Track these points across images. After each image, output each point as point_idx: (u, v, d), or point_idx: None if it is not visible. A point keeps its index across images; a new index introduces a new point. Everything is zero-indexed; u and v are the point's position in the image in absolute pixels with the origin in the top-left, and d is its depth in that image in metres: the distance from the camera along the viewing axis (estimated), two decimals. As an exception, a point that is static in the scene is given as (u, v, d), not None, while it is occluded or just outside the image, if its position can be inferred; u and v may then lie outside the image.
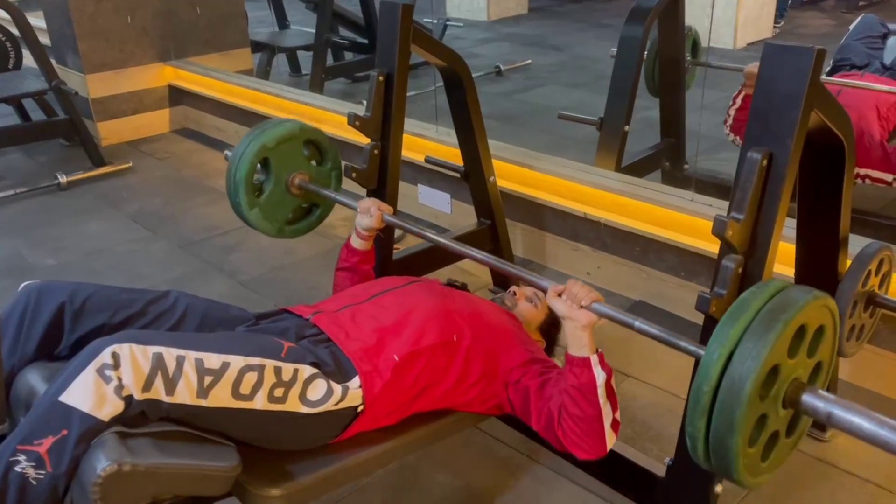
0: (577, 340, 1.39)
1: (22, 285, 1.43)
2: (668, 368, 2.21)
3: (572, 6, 8.91)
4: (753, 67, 2.72)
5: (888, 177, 2.77)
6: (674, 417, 1.83)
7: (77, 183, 3.73)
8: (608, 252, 2.60)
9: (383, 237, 2.01)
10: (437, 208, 3.13)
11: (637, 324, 1.33)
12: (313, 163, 2.08)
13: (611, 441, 1.42)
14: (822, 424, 1.90)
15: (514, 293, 1.87)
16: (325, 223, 3.19)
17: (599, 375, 1.38)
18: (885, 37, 3.34)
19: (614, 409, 1.42)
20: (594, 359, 1.38)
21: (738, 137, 2.95)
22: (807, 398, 1.08)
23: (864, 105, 2.86)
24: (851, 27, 3.46)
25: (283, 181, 2.00)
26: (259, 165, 1.97)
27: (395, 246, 2.28)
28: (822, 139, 1.49)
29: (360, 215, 1.86)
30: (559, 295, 1.41)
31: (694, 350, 1.23)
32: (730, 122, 3.00)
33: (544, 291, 1.46)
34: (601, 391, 1.37)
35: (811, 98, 1.30)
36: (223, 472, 1.24)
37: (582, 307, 1.37)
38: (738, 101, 2.96)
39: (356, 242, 1.88)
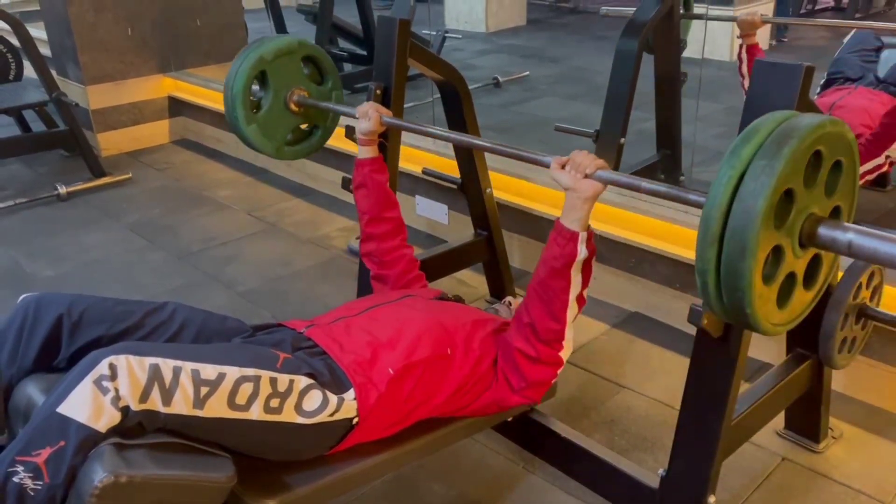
0: (574, 211, 1.38)
1: (20, 298, 1.44)
2: (662, 379, 2.23)
3: (570, 17, 8.97)
4: (745, 15, 2.90)
5: (879, 159, 2.78)
6: (668, 429, 1.84)
7: (77, 194, 3.75)
8: (603, 263, 2.61)
9: (386, 143, 1.98)
10: (435, 219, 3.15)
11: (644, 184, 1.30)
12: (313, 84, 2.05)
13: (572, 314, 1.43)
14: (815, 435, 1.92)
15: (510, 303, 1.88)
16: (322, 235, 3.21)
17: (581, 252, 1.38)
18: (878, 50, 3.37)
19: (584, 284, 1.42)
20: (583, 235, 1.38)
21: None
22: (824, 231, 1.04)
23: (857, 120, 2.89)
24: (845, 40, 3.49)
25: (282, 97, 1.97)
26: (257, 82, 1.93)
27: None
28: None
29: (359, 120, 1.87)
30: (563, 167, 1.38)
31: (702, 200, 1.15)
32: (746, 81, 3.02)
33: (546, 166, 1.44)
34: (576, 266, 1.38)
35: (800, 113, 1.32)
36: (219, 483, 1.25)
37: (587, 176, 1.35)
38: (744, 56, 2.99)
39: (361, 152, 1.89)
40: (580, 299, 1.45)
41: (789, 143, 0.97)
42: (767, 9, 6.69)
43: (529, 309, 1.49)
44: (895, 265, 0.99)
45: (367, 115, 1.86)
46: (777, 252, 1.03)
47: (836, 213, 1.11)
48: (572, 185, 1.37)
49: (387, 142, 2.01)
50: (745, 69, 3.01)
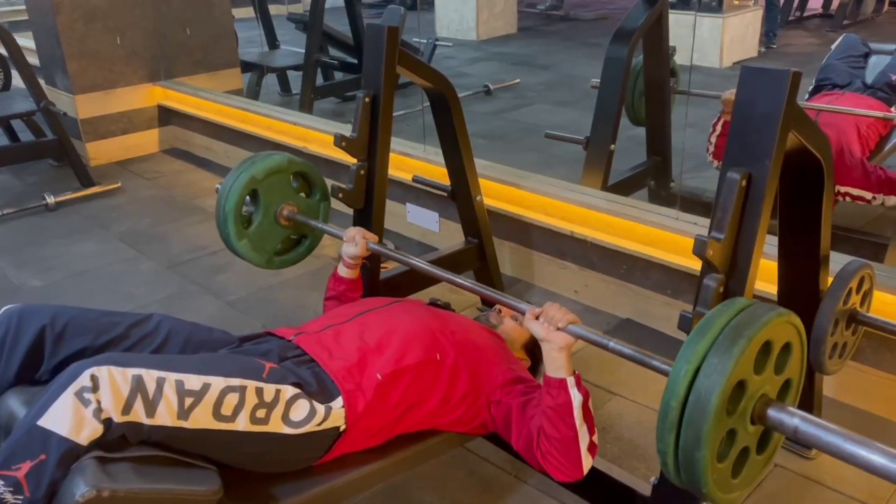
0: (554, 362, 1.40)
1: (2, 309, 1.42)
2: (655, 387, 2.21)
3: (561, 25, 9.01)
4: (730, 94, 2.81)
5: (867, 194, 2.80)
6: (660, 436, 1.83)
7: (65, 203, 3.72)
8: (595, 270, 2.61)
9: (369, 264, 2.02)
10: (426, 227, 3.14)
11: (612, 345, 1.34)
12: (302, 195, 2.11)
13: (587, 464, 1.42)
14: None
15: (500, 311, 1.87)
16: (312, 243, 3.15)
17: (576, 397, 1.38)
18: (866, 56, 3.39)
19: (591, 431, 1.42)
20: (570, 381, 1.39)
21: (720, 163, 2.99)
22: (773, 413, 1.10)
23: (845, 123, 2.90)
24: (834, 46, 3.51)
25: (272, 212, 2.03)
26: (248, 197, 1.99)
27: (382, 265, 2.29)
28: (801, 159, 1.51)
29: (345, 244, 1.89)
30: (536, 318, 1.42)
31: (665, 368, 1.25)
32: (711, 149, 3.04)
33: (522, 314, 1.47)
34: (577, 413, 1.38)
35: (788, 119, 1.32)
36: (204, 496, 1.23)
37: (559, 329, 1.38)
38: (719, 127, 3.00)
39: (343, 271, 1.91)
40: (592, 448, 1.43)
41: (739, 344, 1.04)
42: (756, 16, 6.75)
43: (543, 447, 1.42)
44: (835, 455, 1.05)
45: (354, 241, 1.87)
46: (731, 434, 1.09)
47: (786, 387, 1.17)
48: (545, 336, 1.40)
49: (369, 263, 2.04)
50: (713, 138, 3.02)
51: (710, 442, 1.04)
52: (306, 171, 2.10)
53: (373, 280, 2.14)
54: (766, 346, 1.09)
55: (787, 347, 1.13)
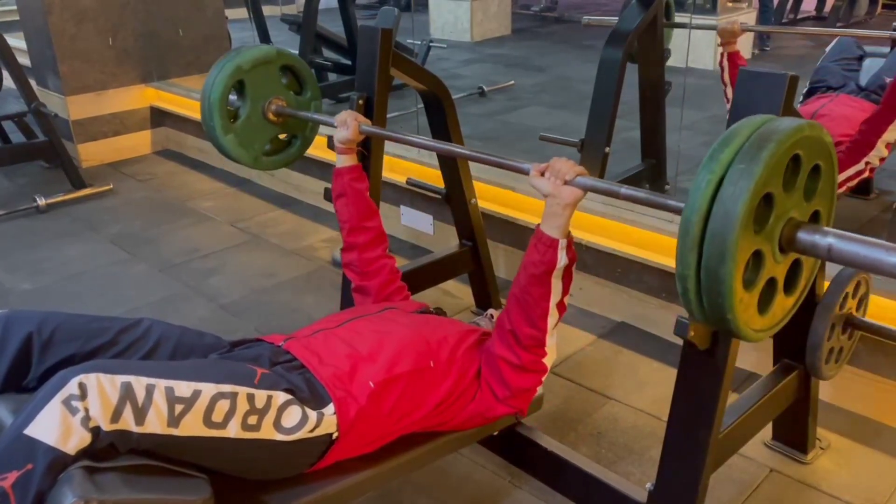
0: (554, 218, 1.37)
1: (-11, 315, 1.40)
2: (649, 390, 2.21)
3: (556, 27, 9.01)
4: (726, 24, 2.97)
5: (860, 165, 2.78)
6: (656, 440, 1.82)
7: (56, 205, 3.69)
8: (589, 273, 2.60)
9: (367, 154, 1.96)
10: (420, 229, 3.12)
11: (623, 190, 1.29)
12: (292, 93, 2.03)
13: (553, 320, 1.42)
14: (803, 446, 1.90)
15: (492, 316, 1.86)
16: (307, 246, 3.17)
17: (561, 259, 1.36)
18: (860, 59, 3.39)
19: (565, 291, 1.40)
20: (562, 242, 1.36)
21: None
22: (804, 235, 1.03)
23: (839, 128, 2.89)
24: (828, 49, 3.51)
25: (260, 107, 1.95)
26: (235, 91, 1.91)
27: None
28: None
29: (338, 129, 1.85)
30: (542, 174, 1.37)
31: (681, 206, 1.14)
32: (729, 90, 3.03)
33: (526, 173, 1.43)
34: (556, 273, 1.36)
35: (784, 123, 1.31)
36: (194, 505, 1.21)
37: (566, 183, 1.34)
38: (726, 64, 3.00)
39: (340, 161, 1.87)
40: (561, 306, 1.44)
41: (768, 147, 0.97)
42: (750, 18, 6.76)
43: (510, 316, 1.48)
44: (875, 269, 0.98)
45: (346, 124, 1.84)
46: (757, 257, 1.02)
47: (815, 218, 1.11)
48: (552, 191, 1.36)
49: (367, 152, 1.99)
50: (727, 77, 3.03)
51: (736, 256, 0.95)
52: (296, 65, 2.02)
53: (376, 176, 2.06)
54: (796, 162, 1.01)
55: (816, 170, 1.05)
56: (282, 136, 2.06)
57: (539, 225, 1.41)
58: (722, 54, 3.02)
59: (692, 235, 0.99)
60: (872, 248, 0.98)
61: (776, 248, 1.03)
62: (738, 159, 0.98)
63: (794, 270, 1.12)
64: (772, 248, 1.03)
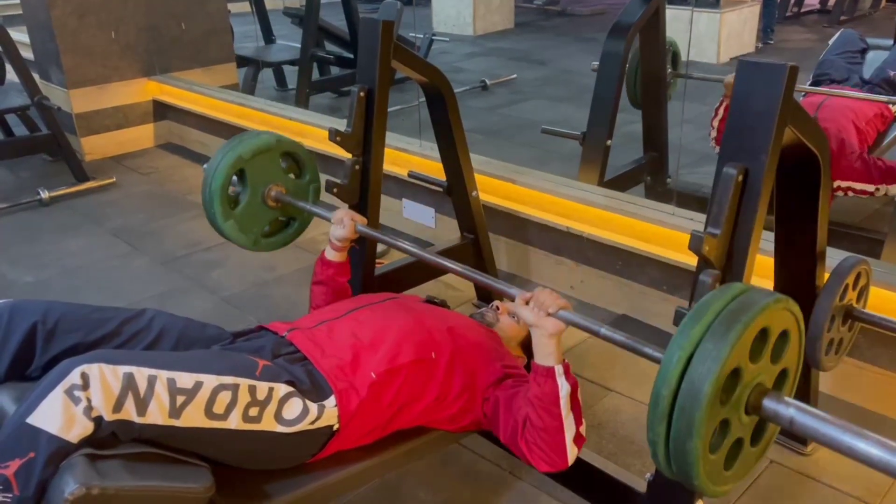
0: (543, 349, 1.38)
1: (-6, 305, 1.41)
2: (650, 382, 2.20)
3: (558, 20, 8.99)
4: (732, 78, 2.78)
5: (870, 187, 2.79)
6: (656, 432, 1.82)
7: (59, 198, 3.70)
8: (591, 266, 2.60)
9: (358, 249, 1.99)
10: (422, 223, 3.13)
11: (602, 331, 1.32)
12: (291, 176, 2.07)
13: (572, 455, 1.40)
14: (802, 438, 1.91)
15: (497, 308, 1.86)
16: (307, 238, 3.18)
17: (563, 386, 1.36)
18: (864, 52, 3.39)
19: (578, 422, 1.40)
20: (559, 369, 1.37)
21: None
22: (768, 403, 1.06)
23: (843, 119, 2.89)
24: (831, 42, 3.51)
25: (260, 193, 1.99)
26: (235, 177, 1.95)
27: (378, 261, 2.27)
28: (797, 154, 1.50)
29: (333, 226, 1.85)
30: (526, 303, 1.39)
31: (657, 356, 1.21)
32: (713, 133, 3.03)
33: (512, 299, 1.45)
34: (564, 402, 1.36)
35: (785, 114, 1.31)
36: (196, 493, 1.22)
37: (549, 315, 1.36)
38: (721, 111, 2.99)
39: (330, 254, 1.87)
40: (578, 439, 1.41)
41: (735, 329, 1.00)
42: (753, 12, 6.74)
43: (529, 439, 1.41)
44: (832, 447, 1.01)
45: (342, 223, 1.83)
46: (724, 424, 1.06)
47: (782, 377, 1.13)
48: (535, 321, 1.37)
49: (357, 246, 1.99)
50: (716, 122, 3.03)
51: (703, 432, 1.00)
52: (295, 152, 2.05)
53: (368, 270, 2.11)
54: (763, 333, 1.05)
55: (784, 335, 1.09)
56: (280, 219, 2.10)
57: (533, 361, 1.41)
58: (721, 103, 3.01)
59: (661, 408, 1.04)
60: (831, 425, 1.01)
61: (742, 413, 1.07)
62: (707, 337, 1.01)
63: (761, 426, 1.15)
64: (738, 414, 1.07)
